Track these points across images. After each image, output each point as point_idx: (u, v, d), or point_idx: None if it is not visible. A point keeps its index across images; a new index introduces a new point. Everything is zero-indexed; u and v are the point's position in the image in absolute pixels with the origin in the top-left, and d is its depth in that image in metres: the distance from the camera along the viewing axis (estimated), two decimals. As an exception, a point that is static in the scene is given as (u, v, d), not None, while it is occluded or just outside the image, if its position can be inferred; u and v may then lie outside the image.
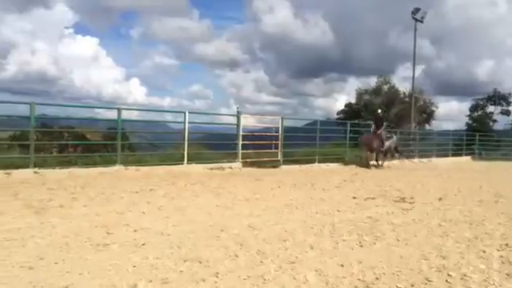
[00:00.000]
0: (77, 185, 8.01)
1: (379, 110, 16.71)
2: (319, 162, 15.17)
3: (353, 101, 32.81)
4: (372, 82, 35.50)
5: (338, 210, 6.57)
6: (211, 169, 11.59)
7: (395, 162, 17.41)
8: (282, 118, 14.39)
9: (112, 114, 11.33)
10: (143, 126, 14.78)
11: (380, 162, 16.01)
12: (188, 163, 11.64)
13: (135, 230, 5.01)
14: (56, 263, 3.79)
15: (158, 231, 5.00)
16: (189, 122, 11.77)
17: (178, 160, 11.69)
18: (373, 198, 7.77)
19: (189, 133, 11.84)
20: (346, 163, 15.71)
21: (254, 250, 4.33)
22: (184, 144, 11.69)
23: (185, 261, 3.97)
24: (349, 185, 9.86)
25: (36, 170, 8.91)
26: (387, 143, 15.77)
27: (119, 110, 10.70)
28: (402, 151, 17.80)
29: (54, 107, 15.64)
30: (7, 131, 14.45)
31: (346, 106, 32.94)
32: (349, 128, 17.36)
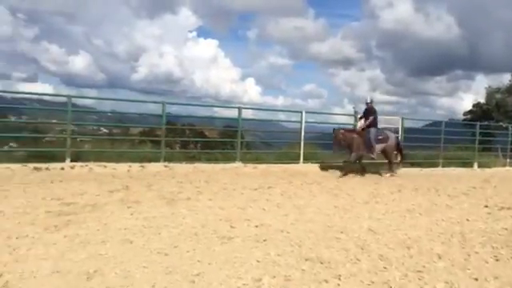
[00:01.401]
0: (201, 179, 8.54)
1: (368, 99, 11.19)
2: (443, 166, 14.21)
3: (482, 100, 29.97)
4: (505, 79, 32.09)
5: (468, 219, 6.07)
6: (327, 169, 11.51)
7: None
8: (402, 118, 13.72)
9: (229, 113, 11.91)
10: (258, 124, 15.16)
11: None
12: (303, 162, 11.71)
13: (256, 226, 5.18)
14: (188, 252, 4.08)
15: (278, 228, 5.12)
16: (305, 122, 11.85)
17: (294, 159, 11.83)
18: (508, 208, 7.04)
19: (305, 132, 11.92)
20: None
21: (376, 255, 4.21)
22: (300, 143, 11.79)
23: (306, 260, 4.01)
24: (479, 192, 9.05)
25: (166, 163, 9.70)
26: (379, 146, 11.07)
27: (240, 109, 11.19)
28: (404, 156, 12.19)
29: (177, 106, 16.89)
30: (138, 127, 15.95)
31: (475, 105, 30.15)
32: (478, 130, 15.95)
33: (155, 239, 4.46)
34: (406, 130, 13.92)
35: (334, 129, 11.21)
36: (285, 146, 13.94)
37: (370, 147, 10.85)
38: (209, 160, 11.05)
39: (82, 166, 8.75)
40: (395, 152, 11.78)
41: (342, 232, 5.07)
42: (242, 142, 11.45)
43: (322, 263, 3.92)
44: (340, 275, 3.59)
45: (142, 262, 3.72)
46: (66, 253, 3.90)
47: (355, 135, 10.92)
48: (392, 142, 11.39)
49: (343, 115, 15.49)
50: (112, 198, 6.35)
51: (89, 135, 12.32)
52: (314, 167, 11.50)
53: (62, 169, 8.53)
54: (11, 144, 13.00)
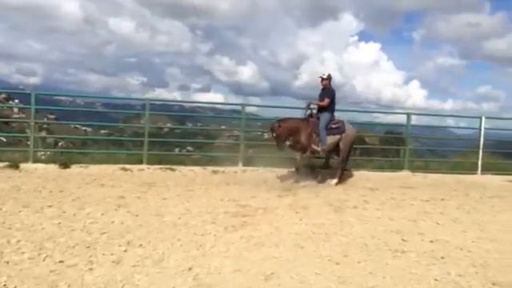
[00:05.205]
0: (367, 187, 8.30)
1: (325, 74, 8.52)
2: None
3: None
4: None
5: None
6: (510, 181, 10.13)
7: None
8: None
9: (391, 119, 11.39)
10: (425, 130, 14.06)
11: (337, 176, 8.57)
12: (482, 173, 10.54)
13: (431, 241, 4.86)
14: (359, 262, 4.03)
15: (456, 245, 4.73)
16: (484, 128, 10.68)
17: (469, 169, 10.72)
18: None
19: (484, 140, 10.73)
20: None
21: None
22: (478, 152, 10.68)
23: (493, 284, 3.63)
24: None
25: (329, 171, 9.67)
26: (330, 139, 8.34)
27: (409, 114, 10.62)
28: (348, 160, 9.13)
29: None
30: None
31: None
32: None
33: (325, 246, 4.49)
34: None
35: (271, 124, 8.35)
36: (454, 154, 12.77)
37: (317, 139, 8.26)
38: (373, 168, 10.66)
39: (252, 171, 9.31)
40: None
41: (536, 255, 4.44)
42: (409, 150, 10.80)
43: (512, 290, 3.47)
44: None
45: (315, 269, 3.78)
46: (244, 253, 4.19)
47: (303, 125, 8.23)
48: (350, 134, 8.65)
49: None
50: (281, 202, 6.60)
51: (256, 141, 13.01)
52: (494, 179, 10.23)
53: (236, 172, 9.20)
54: (188, 148, 14.60)
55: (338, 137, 8.46)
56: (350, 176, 9.28)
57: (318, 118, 8.42)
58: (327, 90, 8.52)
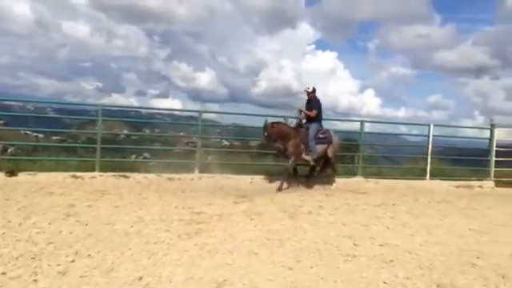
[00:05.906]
0: (322, 193, 8.47)
1: (310, 87, 9.12)
2: None
3: None
4: None
5: None
6: (457, 186, 10.63)
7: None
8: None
9: (348, 126, 11.77)
10: (379, 137, 14.50)
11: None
12: (430, 179, 10.96)
13: (381, 245, 4.98)
14: (311, 267, 4.07)
15: (405, 249, 4.87)
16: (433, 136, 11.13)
17: (419, 175, 11.14)
18: None
19: (432, 147, 11.17)
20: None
21: (522, 286, 3.75)
22: (427, 158, 11.09)
23: (438, 286, 3.78)
24: None
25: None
26: (319, 148, 9.02)
27: (362, 122, 10.91)
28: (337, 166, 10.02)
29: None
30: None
31: None
32: None
33: (278, 252, 4.51)
34: None
35: (265, 120, 8.75)
36: (407, 160, 13.24)
37: (305, 148, 8.84)
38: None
39: (208, 177, 9.27)
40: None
41: (478, 257, 4.67)
42: (363, 156, 11.10)
43: (456, 291, 3.62)
44: (480, 306, 3.26)
45: (268, 275, 3.79)
46: (197, 260, 4.14)
47: (292, 132, 8.79)
48: (336, 143, 9.47)
49: (475, 128, 14.38)
50: (236, 209, 6.60)
51: (214, 148, 12.96)
52: (442, 184, 10.69)
53: (192, 179, 9.13)
54: (145, 154, 14.32)
55: (325, 146, 9.15)
56: (306, 182, 9.40)
57: (307, 128, 8.96)
58: (313, 101, 9.10)
